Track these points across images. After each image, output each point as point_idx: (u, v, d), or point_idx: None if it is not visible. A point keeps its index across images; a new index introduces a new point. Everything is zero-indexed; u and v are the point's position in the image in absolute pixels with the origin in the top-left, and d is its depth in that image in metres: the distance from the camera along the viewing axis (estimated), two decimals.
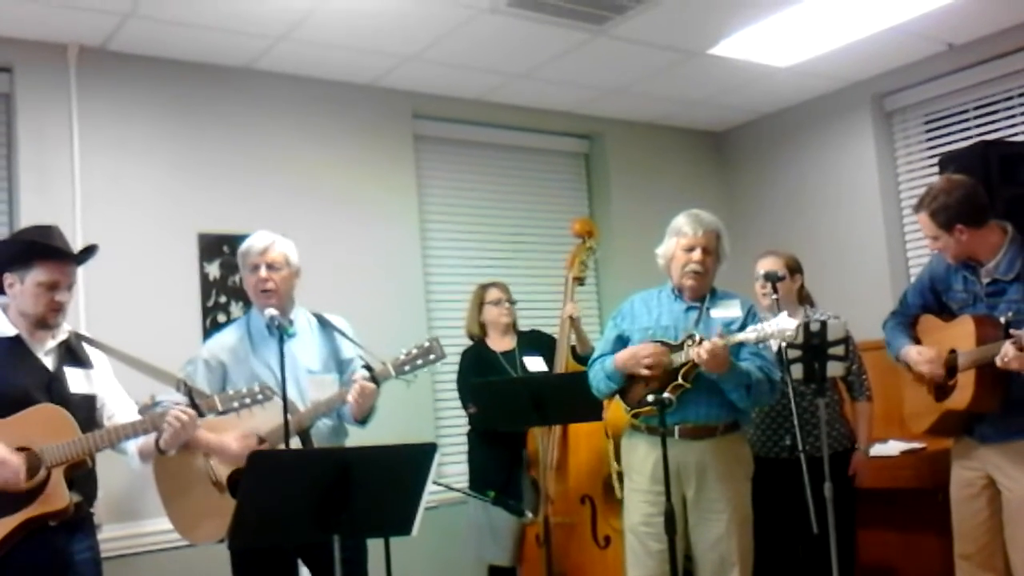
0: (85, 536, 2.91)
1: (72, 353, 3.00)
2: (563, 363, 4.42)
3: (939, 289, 3.45)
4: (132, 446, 3.02)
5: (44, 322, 2.91)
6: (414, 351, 3.34)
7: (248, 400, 3.05)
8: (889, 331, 3.58)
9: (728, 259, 3.59)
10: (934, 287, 3.47)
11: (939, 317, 3.47)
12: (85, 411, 2.91)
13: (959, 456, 3.40)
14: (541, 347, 4.55)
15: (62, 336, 2.99)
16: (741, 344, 3.36)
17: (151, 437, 2.98)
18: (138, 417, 2.94)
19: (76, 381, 2.94)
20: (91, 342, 3.09)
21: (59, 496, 2.75)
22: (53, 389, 2.87)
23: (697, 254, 3.48)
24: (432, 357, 3.34)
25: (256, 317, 3.50)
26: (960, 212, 3.19)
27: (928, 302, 3.51)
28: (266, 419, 3.22)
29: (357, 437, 3.46)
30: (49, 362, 2.93)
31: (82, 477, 2.86)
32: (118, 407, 3.05)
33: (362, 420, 3.42)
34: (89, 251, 3.06)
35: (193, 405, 2.95)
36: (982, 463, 3.29)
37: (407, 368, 3.32)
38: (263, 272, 3.42)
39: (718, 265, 3.55)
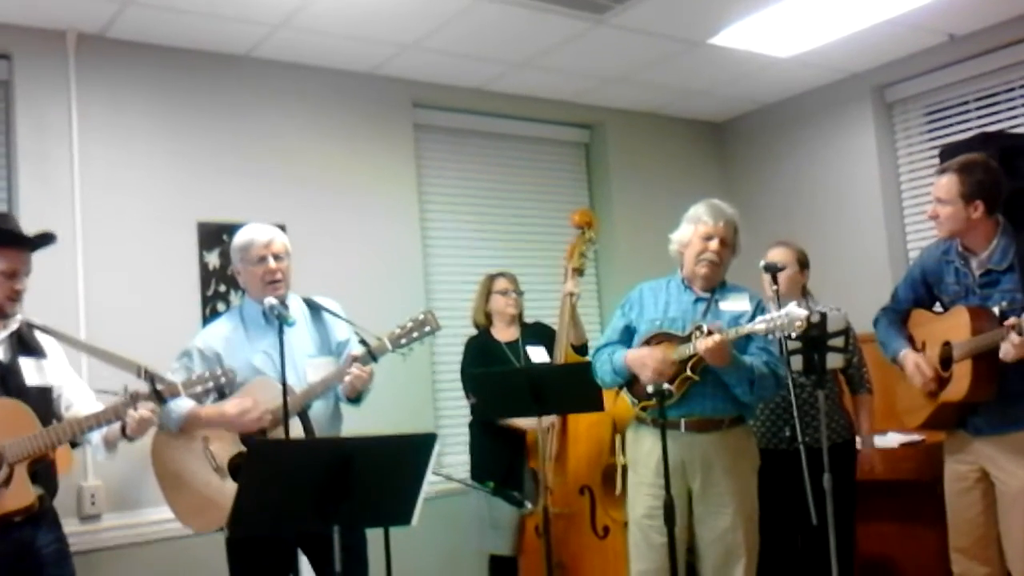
0: (50, 529, 2.85)
1: (24, 343, 2.91)
2: (563, 349, 4.42)
3: (931, 282, 3.45)
4: (96, 436, 2.94)
5: (2, 311, 2.84)
6: (409, 324, 3.38)
7: (211, 383, 3.00)
8: (882, 330, 3.57)
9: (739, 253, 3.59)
10: (925, 280, 3.47)
11: (930, 311, 3.48)
12: (42, 403, 2.83)
13: (952, 450, 3.41)
14: (544, 338, 4.55)
15: (14, 325, 2.90)
16: (750, 338, 3.36)
17: (117, 425, 2.89)
18: (98, 405, 2.88)
19: (30, 372, 2.86)
20: (44, 329, 3.00)
21: (24, 493, 2.68)
22: (8, 382, 2.80)
23: (715, 244, 3.47)
24: (427, 329, 3.37)
25: (250, 306, 3.50)
26: (988, 190, 3.20)
27: (920, 296, 3.51)
28: (264, 402, 3.24)
29: (357, 427, 3.46)
30: (1, 353, 2.84)
31: (43, 470, 2.80)
32: (75, 396, 2.98)
33: (356, 399, 3.43)
34: (47, 238, 2.97)
35: (155, 392, 2.88)
36: (975, 456, 3.30)
37: (403, 341, 3.36)
38: (272, 263, 3.42)
39: (731, 258, 3.55)
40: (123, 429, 2.90)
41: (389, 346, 3.34)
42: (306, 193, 4.73)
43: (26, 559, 2.75)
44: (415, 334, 3.36)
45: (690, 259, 3.52)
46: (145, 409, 2.84)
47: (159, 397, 2.89)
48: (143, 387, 2.90)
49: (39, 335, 2.98)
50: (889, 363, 3.55)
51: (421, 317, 3.38)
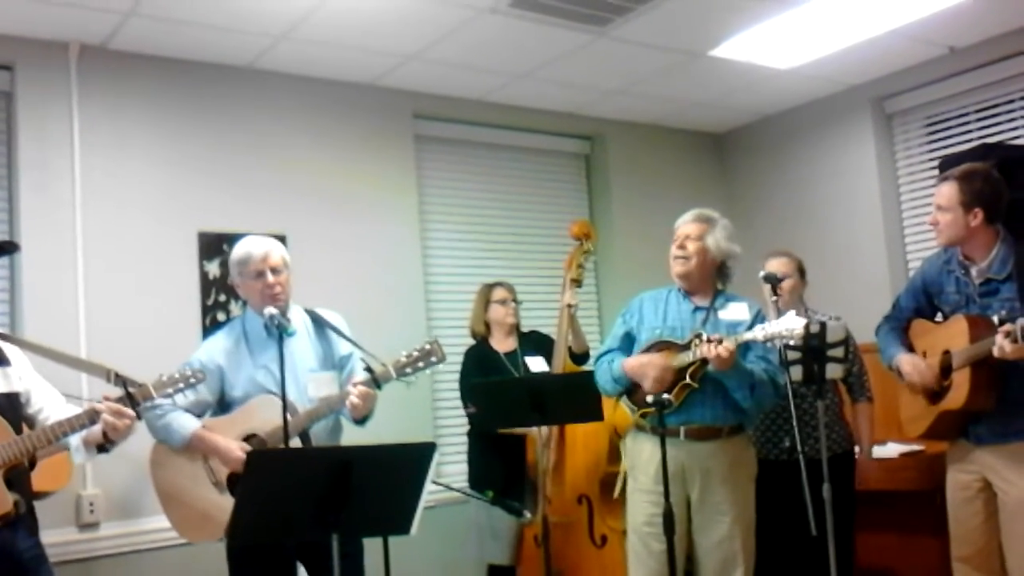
0: (28, 535, 2.81)
1: None
2: (562, 359, 4.42)
3: (932, 292, 3.46)
4: (75, 438, 2.89)
5: None
6: (415, 353, 3.38)
7: (182, 385, 2.99)
8: (882, 337, 3.58)
9: (734, 256, 3.59)
10: (927, 290, 3.48)
11: (931, 321, 3.48)
12: (9, 410, 2.79)
13: (955, 459, 3.40)
14: (542, 348, 4.55)
15: None
16: (748, 346, 3.37)
17: (98, 427, 2.83)
18: (71, 410, 2.86)
19: None
20: (6, 338, 2.97)
21: (1, 499, 2.67)
22: None
23: (679, 241, 3.56)
24: (433, 359, 3.38)
25: (252, 318, 3.50)
26: (988, 199, 3.21)
27: (921, 305, 3.51)
28: (265, 420, 3.24)
29: (356, 436, 3.46)
30: None
31: (17, 476, 2.77)
32: (46, 400, 2.94)
33: (361, 421, 3.43)
34: (10, 246, 2.96)
35: (128, 395, 2.85)
36: (978, 466, 3.29)
37: (408, 370, 3.37)
38: (270, 277, 3.41)
39: (711, 255, 3.54)
40: (104, 433, 2.85)
41: (393, 374, 3.35)
42: (306, 203, 4.74)
43: (6, 563, 2.73)
44: (420, 363, 3.37)
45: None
46: (119, 420, 2.78)
47: (132, 400, 2.85)
48: (115, 391, 2.86)
49: (2, 343, 2.92)
50: (888, 370, 3.55)
51: (427, 347, 3.39)
